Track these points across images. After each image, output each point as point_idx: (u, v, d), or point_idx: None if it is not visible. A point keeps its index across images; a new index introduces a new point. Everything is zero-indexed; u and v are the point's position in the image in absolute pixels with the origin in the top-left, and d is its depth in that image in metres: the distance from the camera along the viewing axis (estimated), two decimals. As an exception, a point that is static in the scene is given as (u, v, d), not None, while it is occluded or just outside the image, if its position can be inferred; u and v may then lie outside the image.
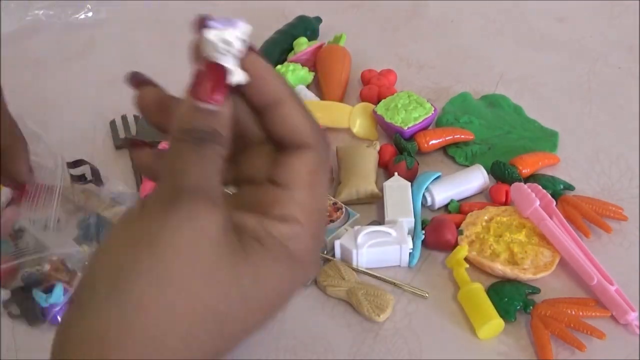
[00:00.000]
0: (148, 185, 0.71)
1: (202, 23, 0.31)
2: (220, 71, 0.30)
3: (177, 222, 0.27)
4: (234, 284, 0.28)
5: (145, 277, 0.27)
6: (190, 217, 0.27)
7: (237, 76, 0.30)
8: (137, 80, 0.34)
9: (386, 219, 0.65)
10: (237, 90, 0.31)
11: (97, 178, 0.71)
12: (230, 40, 0.30)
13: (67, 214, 0.67)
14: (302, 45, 0.88)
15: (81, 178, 0.71)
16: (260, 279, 0.29)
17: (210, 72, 0.30)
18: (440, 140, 0.74)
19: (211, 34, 0.30)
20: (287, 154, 0.31)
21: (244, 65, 0.30)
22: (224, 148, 0.30)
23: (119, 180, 0.72)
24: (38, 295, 0.60)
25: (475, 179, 0.70)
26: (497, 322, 0.58)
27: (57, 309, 0.60)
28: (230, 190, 0.34)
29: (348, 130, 0.78)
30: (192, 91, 0.29)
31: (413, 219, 0.65)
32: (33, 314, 0.61)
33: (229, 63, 0.30)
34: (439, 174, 0.70)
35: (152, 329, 0.26)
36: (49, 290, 0.60)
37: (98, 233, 0.66)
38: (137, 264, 0.27)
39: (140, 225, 0.28)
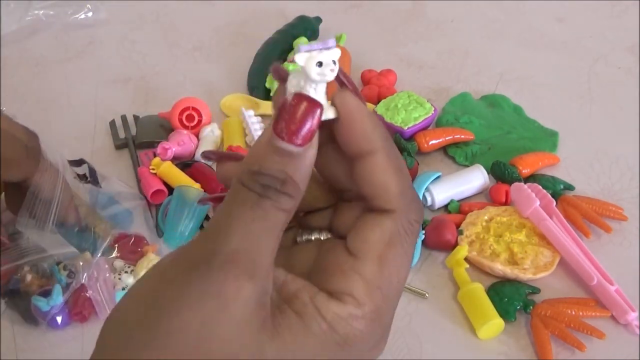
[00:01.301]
0: (148, 185, 0.71)
1: (279, 73, 0.26)
2: (310, 106, 0.24)
3: (198, 295, 0.23)
4: None
5: (154, 351, 0.23)
6: (215, 291, 0.23)
7: (327, 112, 0.25)
8: (216, 157, 0.30)
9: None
10: (323, 130, 0.26)
11: (94, 178, 0.71)
12: (326, 62, 0.25)
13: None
14: (302, 45, 0.88)
15: (83, 177, 0.71)
16: None
17: (301, 109, 0.24)
18: (440, 140, 0.74)
19: (302, 58, 0.25)
20: (366, 216, 0.27)
21: (333, 99, 0.26)
22: (293, 202, 0.25)
23: (119, 181, 0.72)
24: (38, 300, 0.59)
25: (475, 179, 0.70)
26: (497, 322, 0.58)
27: (56, 311, 0.60)
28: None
29: (348, 130, 0.78)
30: (274, 126, 0.24)
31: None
32: (30, 318, 0.61)
33: (321, 96, 0.25)
34: (439, 174, 0.70)
35: None
36: (47, 293, 0.60)
37: (79, 233, 0.66)
38: (146, 335, 0.23)
39: (160, 287, 0.24)
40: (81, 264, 0.61)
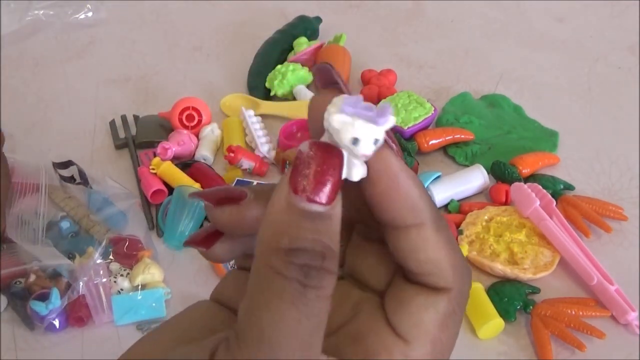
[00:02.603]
0: (148, 185, 0.71)
1: (325, 77, 0.21)
2: (338, 162, 0.20)
3: None
4: None
5: None
6: None
7: (357, 170, 0.21)
8: (207, 199, 0.23)
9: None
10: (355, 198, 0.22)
11: (84, 179, 0.71)
12: (364, 139, 0.20)
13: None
14: (302, 45, 0.88)
15: (71, 179, 0.71)
16: None
17: (323, 161, 0.20)
18: (440, 140, 0.74)
19: (339, 120, 0.20)
20: (415, 293, 0.23)
21: (372, 166, 0.21)
22: (334, 280, 0.20)
23: (113, 181, 0.72)
24: (37, 305, 0.59)
25: (475, 178, 0.70)
26: (497, 322, 0.58)
27: (54, 315, 0.60)
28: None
29: (348, 130, 0.78)
30: (292, 182, 0.20)
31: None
32: (28, 322, 0.61)
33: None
34: (439, 173, 0.70)
35: None
36: (45, 297, 0.60)
37: (70, 240, 0.66)
38: None
39: None
40: (77, 269, 0.61)
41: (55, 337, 0.61)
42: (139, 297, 0.62)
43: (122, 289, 0.63)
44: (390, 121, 0.20)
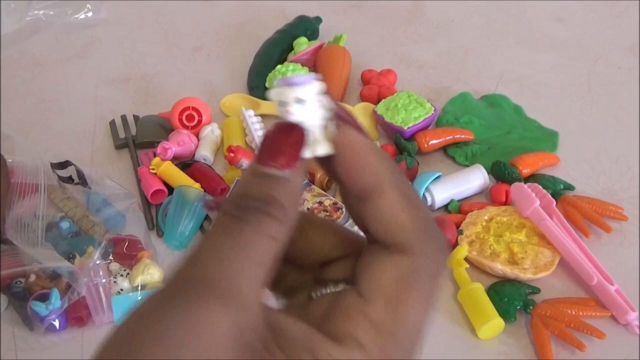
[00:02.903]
0: (148, 185, 0.71)
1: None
2: (294, 134, 0.23)
3: (167, 326, 0.21)
4: None
5: None
6: (184, 320, 0.21)
7: (320, 147, 0.24)
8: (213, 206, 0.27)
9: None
10: (332, 174, 0.25)
11: (83, 180, 0.71)
12: (293, 97, 0.24)
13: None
14: (302, 45, 0.88)
15: (69, 179, 0.71)
16: None
17: (279, 134, 0.24)
18: (440, 140, 0.74)
19: (273, 93, 0.24)
20: (380, 255, 0.24)
21: (334, 137, 0.24)
22: (279, 226, 0.22)
23: (112, 181, 0.72)
24: (37, 305, 0.59)
25: (475, 178, 0.70)
26: (497, 322, 0.58)
27: (54, 316, 0.60)
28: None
29: (348, 130, 0.78)
30: (257, 155, 0.23)
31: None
32: (28, 322, 0.61)
33: (314, 128, 0.24)
34: (439, 173, 0.70)
35: None
36: (45, 297, 0.60)
37: (70, 240, 0.66)
38: None
39: (133, 323, 0.22)
40: (77, 271, 0.61)
41: (55, 337, 0.61)
42: (139, 298, 0.62)
43: (122, 289, 0.63)
44: (309, 82, 0.24)
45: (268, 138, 0.23)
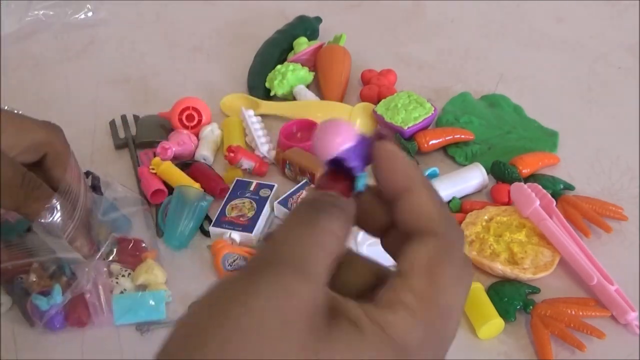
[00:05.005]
0: (148, 185, 0.71)
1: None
2: (346, 177, 0.29)
3: (253, 291, 0.24)
4: None
5: (204, 349, 0.24)
6: (269, 288, 0.24)
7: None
8: None
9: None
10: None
11: (97, 187, 0.70)
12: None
13: None
14: (302, 45, 0.88)
15: (93, 189, 0.70)
16: None
17: (335, 179, 0.30)
18: (440, 140, 0.74)
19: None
20: (412, 241, 0.28)
21: (373, 154, 0.29)
22: (345, 216, 0.28)
23: (119, 184, 0.71)
24: (38, 299, 0.59)
25: (473, 177, 0.70)
26: (497, 322, 0.58)
27: (54, 312, 0.59)
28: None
29: (348, 130, 0.78)
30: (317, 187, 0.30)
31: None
32: (29, 318, 0.61)
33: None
34: (433, 168, 0.70)
35: None
36: (47, 292, 0.60)
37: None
38: (204, 331, 0.24)
39: (220, 288, 0.26)
40: (86, 269, 0.61)
41: (55, 337, 0.61)
42: (140, 297, 0.62)
43: (124, 289, 0.63)
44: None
45: (326, 182, 0.29)
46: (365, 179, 0.30)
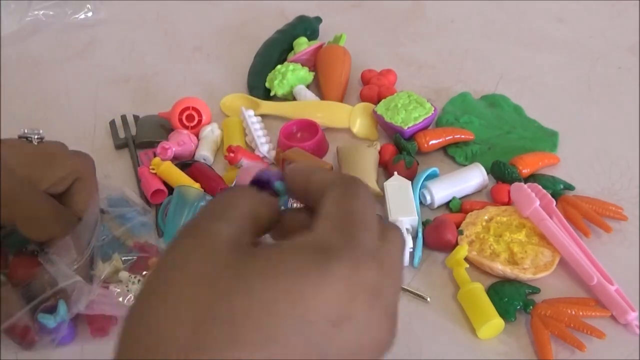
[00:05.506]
0: (148, 185, 0.71)
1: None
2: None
3: (181, 235, 0.31)
4: (234, 284, 0.27)
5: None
6: (192, 232, 0.31)
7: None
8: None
9: (389, 218, 0.65)
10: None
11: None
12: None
13: None
14: (302, 45, 0.88)
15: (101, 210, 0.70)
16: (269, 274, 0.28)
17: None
18: (440, 140, 0.74)
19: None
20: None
21: (284, 173, 0.36)
22: (264, 196, 0.34)
23: (120, 185, 0.71)
24: (44, 317, 0.57)
25: (474, 177, 0.70)
26: (497, 322, 0.58)
27: (62, 330, 0.58)
28: None
29: (348, 130, 0.78)
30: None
31: (417, 218, 0.65)
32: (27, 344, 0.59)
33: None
34: (433, 168, 0.70)
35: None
36: (52, 309, 0.57)
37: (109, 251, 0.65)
38: (154, 275, 0.30)
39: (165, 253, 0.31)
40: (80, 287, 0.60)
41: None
42: None
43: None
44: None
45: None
46: (282, 186, 0.36)
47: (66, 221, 0.57)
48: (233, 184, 0.71)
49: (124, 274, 0.63)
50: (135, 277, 0.63)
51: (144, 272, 0.64)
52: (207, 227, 0.30)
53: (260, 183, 0.36)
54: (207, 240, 0.29)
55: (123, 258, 0.64)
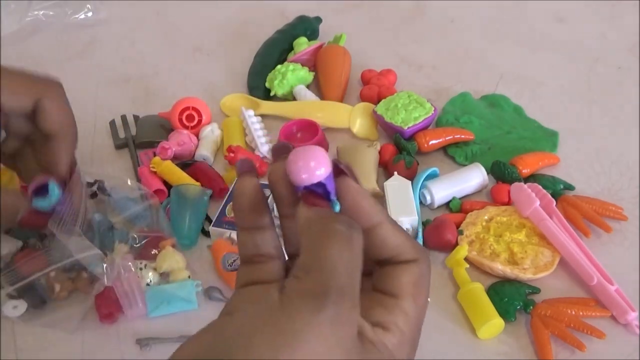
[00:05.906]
0: (149, 185, 0.70)
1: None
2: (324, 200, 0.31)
3: (321, 325, 0.27)
4: None
5: None
6: (334, 321, 0.27)
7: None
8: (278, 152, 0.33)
9: (388, 218, 0.65)
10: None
11: (103, 191, 0.70)
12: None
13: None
14: (302, 45, 0.88)
15: (94, 195, 0.70)
16: None
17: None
18: (440, 140, 0.74)
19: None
20: (393, 266, 0.33)
21: (338, 189, 0.31)
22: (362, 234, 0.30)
23: (127, 179, 0.71)
24: (39, 201, 0.54)
25: (474, 177, 0.70)
26: (497, 322, 0.58)
27: (60, 207, 0.55)
28: None
29: (348, 130, 0.78)
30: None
31: (417, 218, 0.65)
32: (35, 298, 0.61)
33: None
34: (433, 168, 0.70)
35: None
36: (43, 191, 0.55)
37: (104, 233, 0.66)
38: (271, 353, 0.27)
39: (283, 318, 0.28)
40: (105, 265, 0.61)
41: (55, 337, 0.61)
42: (171, 289, 0.62)
43: (150, 281, 0.63)
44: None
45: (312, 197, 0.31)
46: (338, 205, 0.31)
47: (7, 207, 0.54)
48: (233, 184, 0.71)
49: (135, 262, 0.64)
50: (142, 263, 0.63)
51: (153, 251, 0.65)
52: (345, 318, 0.28)
53: (315, 192, 0.30)
54: (346, 336, 0.28)
55: (132, 245, 0.65)
